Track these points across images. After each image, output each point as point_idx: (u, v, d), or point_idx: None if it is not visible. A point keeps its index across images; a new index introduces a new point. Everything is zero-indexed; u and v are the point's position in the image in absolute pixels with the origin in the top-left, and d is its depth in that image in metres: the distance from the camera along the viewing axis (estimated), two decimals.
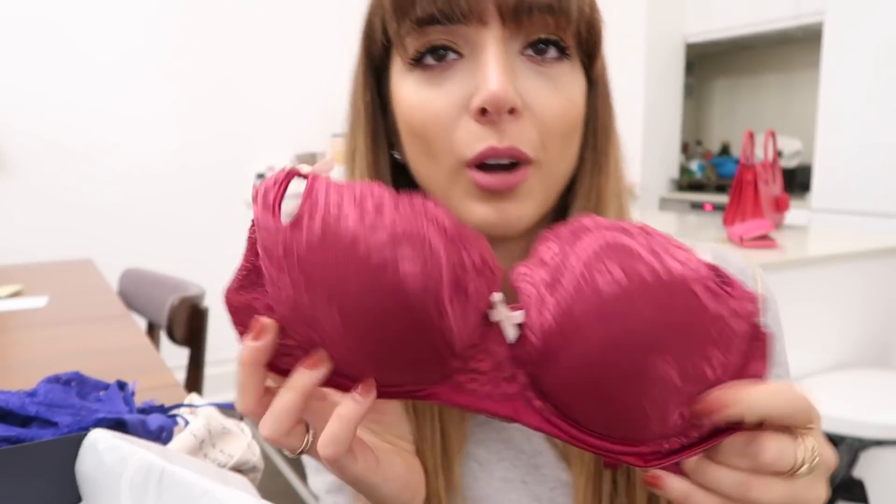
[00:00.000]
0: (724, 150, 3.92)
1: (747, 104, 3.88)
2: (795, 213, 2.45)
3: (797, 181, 3.17)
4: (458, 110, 0.46)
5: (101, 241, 2.87)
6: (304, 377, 0.36)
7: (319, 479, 0.58)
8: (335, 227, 0.31)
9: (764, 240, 1.64)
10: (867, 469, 1.44)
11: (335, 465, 0.38)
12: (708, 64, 4.01)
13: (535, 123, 0.46)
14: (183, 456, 0.64)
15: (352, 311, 0.33)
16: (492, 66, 0.44)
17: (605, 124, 0.52)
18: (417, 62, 0.47)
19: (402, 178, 0.53)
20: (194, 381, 1.45)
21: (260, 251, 0.36)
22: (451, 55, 0.46)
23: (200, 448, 0.71)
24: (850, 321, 1.71)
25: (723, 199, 2.05)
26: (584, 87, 0.50)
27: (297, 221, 0.33)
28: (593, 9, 0.49)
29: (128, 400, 0.72)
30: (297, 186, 0.36)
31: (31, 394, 0.69)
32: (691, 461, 0.35)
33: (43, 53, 2.75)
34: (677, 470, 0.36)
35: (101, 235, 2.88)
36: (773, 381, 0.34)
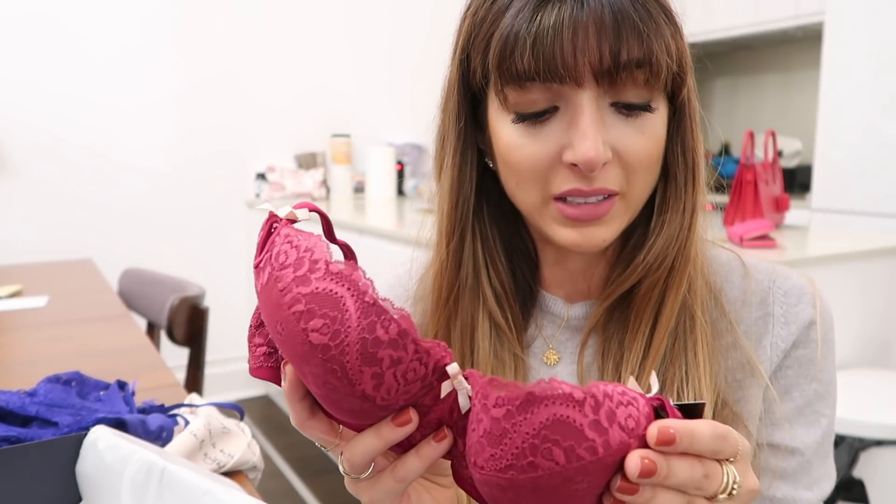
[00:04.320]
0: (725, 150, 3.92)
1: (747, 104, 3.87)
2: (795, 213, 2.45)
3: (797, 181, 3.17)
4: (552, 159, 0.51)
5: (101, 236, 2.87)
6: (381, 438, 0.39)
7: None
8: (276, 277, 0.37)
9: (764, 240, 1.64)
10: (867, 469, 1.44)
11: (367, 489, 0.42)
12: (707, 64, 4.01)
13: (621, 165, 0.51)
14: (179, 460, 0.64)
15: (285, 346, 0.37)
16: (586, 129, 0.48)
17: (693, 145, 0.56)
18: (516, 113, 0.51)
19: (490, 182, 0.58)
20: (194, 381, 1.45)
21: None
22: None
23: (200, 448, 0.71)
24: (849, 321, 1.71)
25: (723, 199, 2.05)
26: (666, 117, 0.54)
27: (258, 267, 0.39)
28: (683, 42, 0.53)
29: (128, 400, 0.72)
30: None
31: (31, 394, 0.69)
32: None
33: (42, 47, 2.75)
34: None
35: (100, 231, 2.87)
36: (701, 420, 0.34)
